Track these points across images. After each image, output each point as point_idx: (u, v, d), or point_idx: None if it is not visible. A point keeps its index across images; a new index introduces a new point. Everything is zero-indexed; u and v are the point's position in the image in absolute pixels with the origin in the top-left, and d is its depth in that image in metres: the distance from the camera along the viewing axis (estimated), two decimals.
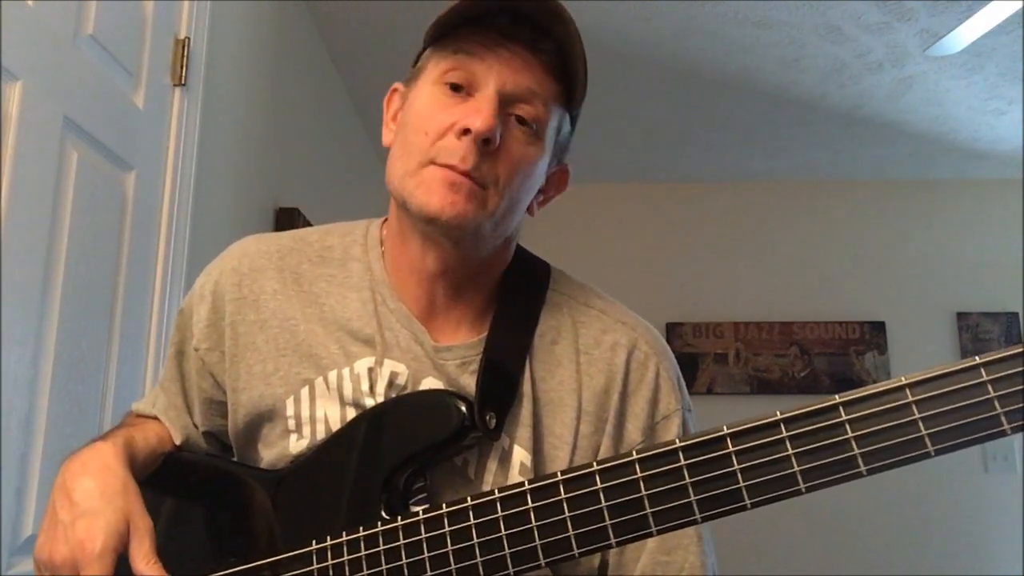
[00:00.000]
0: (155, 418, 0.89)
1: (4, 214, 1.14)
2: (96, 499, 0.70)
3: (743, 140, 3.78)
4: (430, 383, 0.78)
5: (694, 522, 0.60)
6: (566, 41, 0.72)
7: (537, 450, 0.77)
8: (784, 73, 3.08)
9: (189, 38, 1.70)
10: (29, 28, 1.21)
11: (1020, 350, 0.54)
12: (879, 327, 4.05)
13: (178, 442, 0.87)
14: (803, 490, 0.57)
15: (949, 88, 3.18)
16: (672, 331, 4.05)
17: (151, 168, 1.59)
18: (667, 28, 2.78)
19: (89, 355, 1.37)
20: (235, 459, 0.86)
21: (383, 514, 0.71)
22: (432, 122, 0.73)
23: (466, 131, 0.70)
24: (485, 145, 0.71)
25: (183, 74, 1.68)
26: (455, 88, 0.73)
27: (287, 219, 2.33)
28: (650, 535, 0.61)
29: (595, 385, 0.79)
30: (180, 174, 1.67)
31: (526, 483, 0.65)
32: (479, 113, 0.71)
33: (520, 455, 0.76)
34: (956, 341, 4.03)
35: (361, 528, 0.70)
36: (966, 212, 4.16)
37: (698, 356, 4.05)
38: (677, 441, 0.61)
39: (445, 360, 0.78)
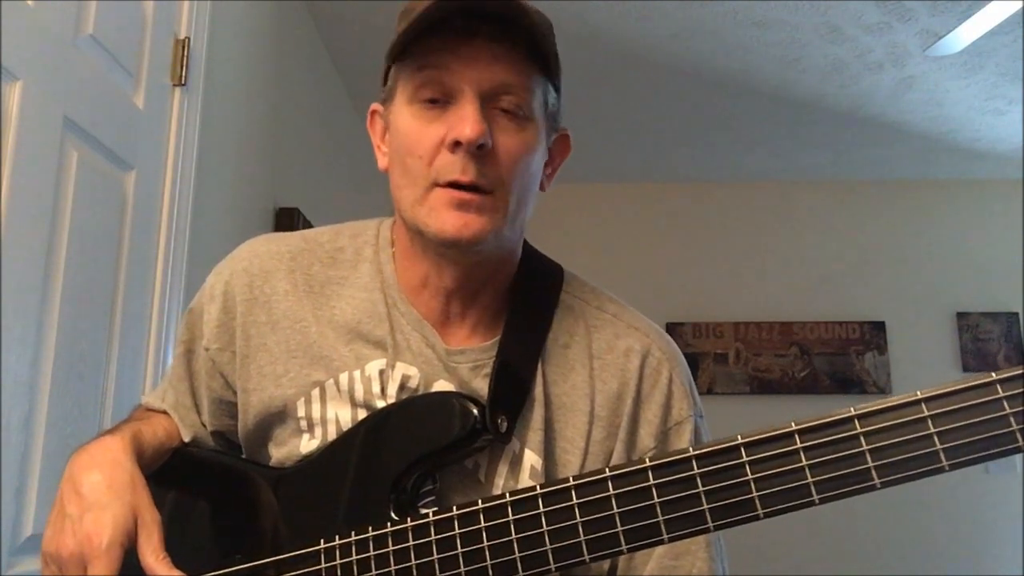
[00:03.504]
0: (164, 412, 0.89)
1: (4, 214, 1.14)
2: (103, 492, 0.70)
3: (743, 140, 3.78)
4: (442, 386, 0.77)
5: (706, 530, 0.60)
6: (526, 20, 0.70)
7: (548, 454, 0.77)
8: (784, 73, 3.08)
9: (189, 38, 1.70)
10: (29, 28, 1.21)
11: None
12: (879, 327, 4.05)
13: (187, 439, 0.87)
14: (816, 501, 0.57)
15: (949, 88, 3.18)
16: (672, 331, 4.05)
17: (151, 168, 1.59)
18: (667, 28, 2.78)
19: (89, 355, 1.37)
20: (243, 457, 0.86)
21: (392, 515, 0.71)
22: (422, 142, 0.72)
23: (457, 143, 0.70)
24: (479, 150, 0.70)
25: (183, 74, 1.67)
26: (432, 102, 0.72)
27: (287, 219, 2.33)
28: (661, 543, 0.61)
29: (608, 390, 0.79)
30: (180, 174, 1.67)
31: (538, 487, 0.64)
32: (464, 121, 0.69)
33: (531, 459, 0.76)
34: (956, 341, 4.03)
35: (370, 528, 0.70)
36: (966, 212, 4.17)
37: (698, 356, 4.06)
38: (691, 449, 0.61)
39: (457, 363, 0.78)
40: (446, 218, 0.71)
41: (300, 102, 2.61)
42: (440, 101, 0.72)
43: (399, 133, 0.75)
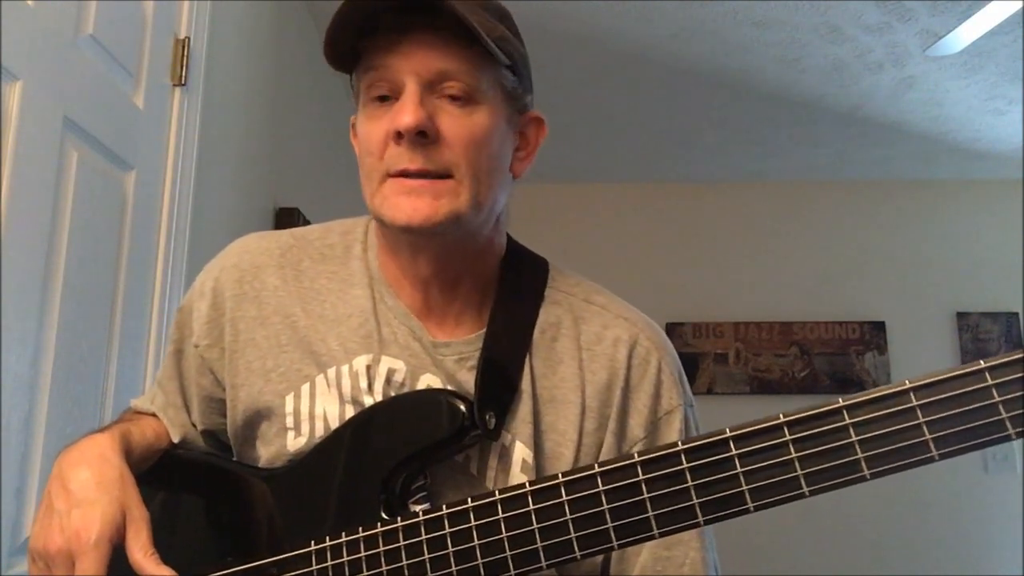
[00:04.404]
0: (153, 415, 0.88)
1: (4, 214, 1.14)
2: (92, 489, 0.70)
3: (743, 140, 3.78)
4: (428, 379, 0.78)
5: (697, 525, 0.59)
6: (453, 8, 0.70)
7: (539, 447, 0.77)
8: (784, 73, 3.08)
9: (189, 38, 1.70)
10: (29, 28, 1.21)
11: None
12: (879, 327, 4.05)
13: (176, 440, 0.87)
14: (807, 493, 0.57)
15: (949, 88, 3.18)
16: (672, 331, 4.05)
17: (151, 168, 1.59)
18: (667, 28, 2.78)
19: (89, 355, 1.37)
20: (234, 458, 0.86)
21: (383, 514, 0.71)
22: (373, 139, 0.74)
23: (399, 133, 0.71)
24: (423, 137, 0.71)
25: (183, 74, 1.67)
26: (383, 99, 0.74)
27: (287, 219, 2.33)
28: (652, 538, 0.60)
29: (598, 381, 0.79)
30: (180, 174, 1.67)
31: (527, 484, 0.64)
32: (402, 111, 0.71)
33: (521, 452, 0.76)
34: (956, 341, 4.03)
35: (360, 528, 0.70)
36: (966, 212, 4.16)
37: (698, 356, 4.05)
38: (679, 443, 0.61)
39: (443, 356, 0.78)
40: (396, 204, 0.72)
41: (300, 102, 2.61)
42: (390, 99, 0.74)
43: (359, 136, 0.77)
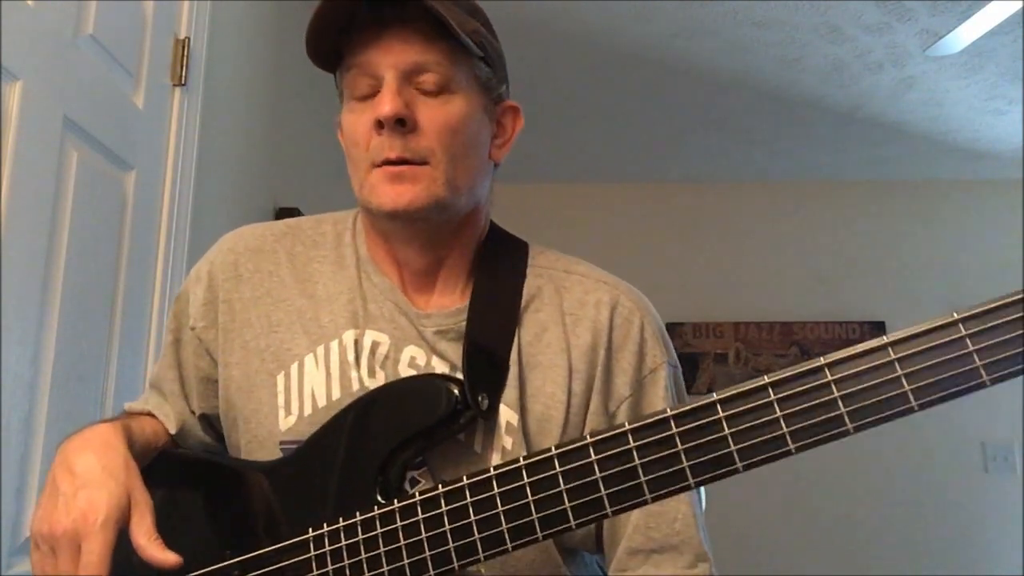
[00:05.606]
0: (148, 414, 0.90)
1: (4, 214, 1.14)
2: (98, 472, 0.70)
3: (743, 140, 3.78)
4: (411, 351, 0.81)
5: (688, 487, 0.61)
6: (431, 5, 0.75)
7: (528, 411, 0.79)
8: (784, 73, 3.08)
9: (189, 38, 1.70)
10: (29, 28, 1.21)
11: (998, 303, 0.56)
12: (879, 327, 4.04)
13: (173, 431, 0.88)
14: (793, 451, 0.58)
15: (949, 88, 3.18)
16: (672, 331, 4.04)
17: (151, 168, 1.59)
18: (667, 28, 2.78)
19: (89, 355, 1.37)
20: (225, 438, 0.88)
21: (379, 499, 0.72)
22: (358, 131, 0.79)
23: (380, 123, 0.76)
24: (402, 126, 0.76)
25: (183, 74, 1.67)
26: (365, 99, 0.79)
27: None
28: (645, 503, 0.62)
29: (582, 343, 0.82)
30: (180, 174, 1.67)
31: (521, 459, 0.66)
32: (381, 101, 0.76)
33: (506, 415, 0.78)
34: None
35: (358, 514, 0.71)
36: (966, 212, 4.16)
37: (698, 356, 4.05)
38: (668, 410, 0.62)
39: (425, 327, 0.82)
40: (382, 192, 0.77)
41: (300, 102, 2.61)
42: (372, 95, 0.78)
43: (345, 131, 0.82)
